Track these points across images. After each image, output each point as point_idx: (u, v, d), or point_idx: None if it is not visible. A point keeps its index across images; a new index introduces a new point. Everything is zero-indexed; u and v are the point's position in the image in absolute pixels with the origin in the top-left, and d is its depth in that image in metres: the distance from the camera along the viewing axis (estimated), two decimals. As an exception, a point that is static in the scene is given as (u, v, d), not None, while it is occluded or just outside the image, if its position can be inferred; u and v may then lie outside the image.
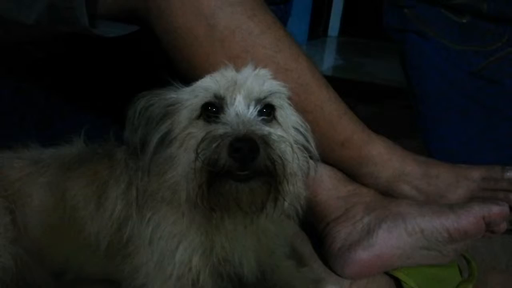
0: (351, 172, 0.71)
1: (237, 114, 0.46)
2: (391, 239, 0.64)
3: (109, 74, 0.77)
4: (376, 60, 2.15)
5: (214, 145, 0.43)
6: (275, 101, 0.51)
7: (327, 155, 0.68)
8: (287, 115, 0.52)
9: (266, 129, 0.46)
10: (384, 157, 0.70)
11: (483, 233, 0.64)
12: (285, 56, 0.62)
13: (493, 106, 0.85)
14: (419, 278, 0.65)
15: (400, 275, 0.65)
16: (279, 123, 0.51)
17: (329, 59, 2.17)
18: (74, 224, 0.55)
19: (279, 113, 0.51)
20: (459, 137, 0.88)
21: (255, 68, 0.53)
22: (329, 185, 0.71)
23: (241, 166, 0.42)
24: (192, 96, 0.50)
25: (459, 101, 0.88)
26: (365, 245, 0.65)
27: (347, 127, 0.67)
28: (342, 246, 0.66)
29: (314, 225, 0.73)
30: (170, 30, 0.60)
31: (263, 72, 0.52)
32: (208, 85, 0.49)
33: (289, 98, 0.54)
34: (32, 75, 0.75)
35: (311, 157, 0.54)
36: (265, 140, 0.44)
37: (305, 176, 0.52)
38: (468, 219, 0.62)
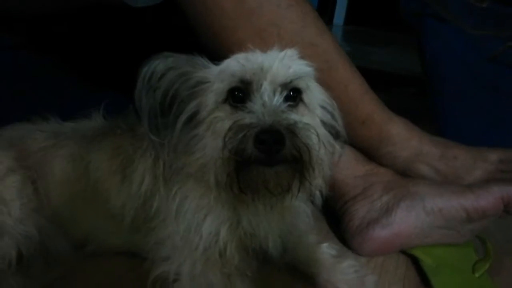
0: (370, 152, 0.71)
1: (263, 103, 0.46)
2: (410, 218, 0.65)
3: (130, 50, 0.76)
4: (383, 48, 2.15)
5: (240, 135, 0.44)
6: (301, 84, 0.50)
7: (348, 133, 0.67)
8: (314, 95, 0.52)
9: (292, 117, 0.46)
10: (403, 137, 0.70)
11: (500, 214, 0.64)
12: (311, 31, 0.61)
13: (511, 91, 0.85)
14: (436, 256, 0.65)
15: (417, 253, 0.66)
16: (305, 105, 0.51)
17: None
18: (97, 196, 0.55)
19: (305, 95, 0.51)
20: (475, 123, 0.88)
21: (282, 47, 0.52)
22: (347, 164, 0.71)
23: (267, 156, 0.43)
24: (218, 79, 0.49)
25: (476, 87, 0.89)
26: (383, 223, 0.65)
27: (368, 106, 0.67)
28: (360, 224, 0.67)
29: (330, 203, 0.73)
30: (196, 2, 0.59)
31: (290, 52, 0.51)
32: (234, 69, 0.48)
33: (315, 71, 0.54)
34: (53, 50, 0.74)
35: (337, 135, 0.54)
36: (291, 130, 0.44)
37: (331, 157, 0.52)
38: (487, 199, 0.63)
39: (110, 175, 0.55)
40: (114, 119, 0.59)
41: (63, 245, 0.58)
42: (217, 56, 0.54)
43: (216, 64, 0.51)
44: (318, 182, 0.49)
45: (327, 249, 0.61)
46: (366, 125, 0.68)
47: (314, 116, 0.51)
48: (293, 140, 0.44)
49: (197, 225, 0.51)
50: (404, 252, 0.68)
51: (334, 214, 0.73)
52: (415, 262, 0.66)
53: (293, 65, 0.50)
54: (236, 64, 0.49)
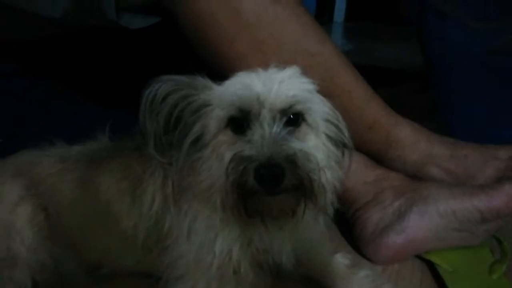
0: (378, 157, 0.71)
1: (262, 134, 0.46)
2: (423, 222, 0.64)
3: (130, 68, 0.76)
4: (384, 44, 2.13)
5: (241, 168, 0.44)
6: (302, 106, 0.49)
7: (355, 139, 0.67)
8: (317, 112, 0.51)
9: (292, 146, 0.45)
10: (411, 139, 0.69)
11: (515, 213, 0.63)
12: (311, 40, 0.61)
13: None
14: (452, 260, 0.64)
15: (433, 257, 0.65)
16: (308, 124, 0.50)
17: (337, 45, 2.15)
18: (109, 219, 0.55)
19: (307, 115, 0.50)
20: (482, 115, 0.87)
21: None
22: (356, 170, 0.70)
23: (267, 189, 0.44)
24: (219, 105, 0.49)
25: (481, 78, 0.87)
26: (397, 229, 0.64)
27: (374, 110, 0.67)
28: (373, 231, 0.66)
29: (341, 211, 0.73)
30: (193, 16, 0.59)
31: (290, 72, 0.50)
32: (233, 98, 0.48)
33: (317, 84, 0.53)
34: (56, 74, 0.74)
35: (344, 146, 0.54)
36: (291, 160, 0.44)
37: (339, 172, 0.52)
38: (500, 198, 0.62)
39: (120, 196, 0.55)
40: (121, 140, 0.59)
41: (77, 269, 0.58)
42: (218, 71, 0.54)
43: (218, 84, 0.51)
44: (323, 202, 0.49)
45: (341, 259, 0.61)
46: (373, 130, 0.67)
47: (318, 133, 0.51)
48: (294, 170, 0.44)
49: (209, 243, 0.51)
50: (419, 257, 0.67)
51: (346, 222, 0.72)
52: (431, 267, 0.65)
53: (292, 87, 0.49)
54: (234, 92, 0.48)
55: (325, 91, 0.55)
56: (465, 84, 0.90)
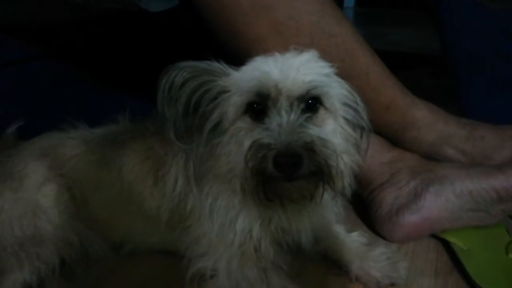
0: (394, 137, 0.71)
1: (279, 122, 0.46)
2: (439, 202, 0.65)
3: (147, 54, 0.77)
4: (396, 28, 2.10)
5: (260, 155, 0.45)
6: (320, 91, 0.49)
7: (372, 120, 0.67)
8: (335, 96, 0.51)
9: (310, 133, 0.46)
10: (428, 120, 0.69)
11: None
12: (329, 21, 0.61)
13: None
14: (468, 238, 0.65)
15: (449, 237, 0.66)
16: (326, 109, 0.50)
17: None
18: (132, 199, 0.56)
19: (325, 99, 0.50)
20: (498, 101, 0.86)
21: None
22: (372, 151, 0.70)
23: (285, 175, 0.44)
24: (237, 91, 0.49)
25: (496, 62, 0.86)
26: (413, 208, 0.65)
27: (391, 91, 0.67)
28: (389, 211, 0.67)
29: (357, 192, 0.73)
30: (212, 0, 0.59)
31: (308, 56, 0.50)
32: (251, 84, 0.48)
33: (335, 67, 0.53)
34: (73, 58, 0.75)
35: (362, 129, 0.54)
36: (309, 147, 0.44)
37: (357, 156, 0.53)
38: (517, 178, 0.62)
39: (144, 178, 0.56)
40: (142, 122, 0.60)
41: (102, 247, 0.60)
42: (235, 55, 0.54)
43: (235, 69, 0.51)
44: (341, 186, 0.50)
45: (358, 238, 0.62)
46: (390, 111, 0.68)
47: (336, 117, 0.51)
48: (312, 157, 0.44)
49: (230, 222, 0.53)
50: (434, 236, 0.68)
51: (361, 203, 0.73)
52: (446, 246, 0.66)
53: (310, 72, 0.49)
54: (252, 78, 0.49)
55: (343, 73, 0.56)
56: (481, 67, 0.89)
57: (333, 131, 0.50)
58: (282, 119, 0.46)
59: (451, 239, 0.66)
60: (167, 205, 0.55)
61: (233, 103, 0.49)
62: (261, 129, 0.47)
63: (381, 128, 0.70)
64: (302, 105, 0.48)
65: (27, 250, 0.54)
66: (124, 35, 0.77)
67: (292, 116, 0.46)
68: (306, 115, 0.48)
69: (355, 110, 0.53)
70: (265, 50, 0.56)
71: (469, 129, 0.70)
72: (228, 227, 0.53)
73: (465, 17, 0.89)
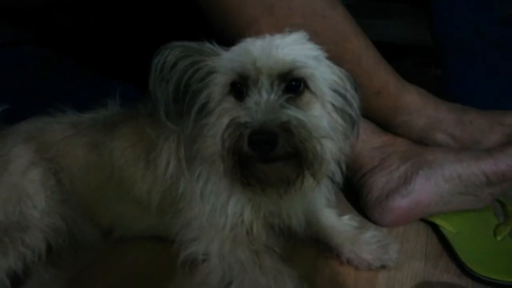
0: (385, 122, 0.71)
1: (257, 101, 0.45)
2: (429, 186, 0.65)
3: (137, 39, 0.75)
4: (385, 20, 2.11)
5: (237, 134, 0.44)
6: (304, 72, 0.48)
7: (363, 105, 0.67)
8: (323, 80, 0.50)
9: (287, 113, 0.44)
10: (418, 105, 0.69)
11: (520, 176, 0.64)
12: (322, 3, 0.60)
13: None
14: (457, 222, 0.66)
15: (438, 220, 0.67)
16: (312, 93, 0.49)
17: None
18: (122, 183, 0.55)
19: (311, 82, 0.48)
20: (488, 90, 0.87)
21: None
22: (363, 136, 0.70)
23: (260, 155, 0.43)
24: (222, 71, 0.49)
25: (486, 51, 0.87)
26: (403, 192, 0.66)
27: (382, 76, 0.67)
28: (380, 195, 0.67)
29: (347, 177, 0.73)
30: None
31: (295, 36, 0.49)
32: (233, 64, 0.48)
33: (327, 50, 0.51)
34: (60, 43, 0.73)
35: (351, 117, 0.52)
36: (285, 128, 0.43)
37: (344, 141, 0.52)
38: (506, 162, 0.63)
39: (135, 160, 0.55)
40: (133, 106, 0.59)
41: (90, 233, 0.59)
42: (228, 37, 0.53)
43: (225, 50, 0.50)
44: (321, 173, 0.49)
45: (349, 221, 0.62)
46: (381, 96, 0.67)
47: (323, 102, 0.49)
48: (288, 138, 0.43)
49: (221, 206, 0.52)
50: (424, 220, 0.69)
51: (351, 188, 0.73)
52: (436, 229, 0.67)
53: (293, 53, 0.47)
54: (235, 58, 0.48)
55: (336, 56, 0.55)
56: (472, 57, 0.89)
57: (318, 116, 0.48)
58: (261, 98, 0.45)
59: (441, 222, 0.66)
60: (158, 188, 0.54)
61: (219, 82, 0.49)
62: (241, 108, 0.46)
63: (372, 112, 0.70)
64: (283, 85, 0.47)
65: (11, 235, 0.53)
66: (114, 18, 0.75)
67: (272, 96, 0.45)
68: (288, 95, 0.46)
69: (344, 97, 0.52)
70: (257, 32, 0.55)
71: (459, 113, 0.71)
72: (220, 211, 0.52)
73: (455, 6, 0.89)
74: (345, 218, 0.63)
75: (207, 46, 0.50)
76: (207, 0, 0.60)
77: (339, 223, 0.61)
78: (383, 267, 0.58)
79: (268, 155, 0.43)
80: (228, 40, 0.52)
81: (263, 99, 0.45)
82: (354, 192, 0.73)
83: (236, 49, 0.49)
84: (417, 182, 0.65)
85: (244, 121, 0.44)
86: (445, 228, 0.66)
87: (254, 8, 0.58)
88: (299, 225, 0.57)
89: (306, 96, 0.48)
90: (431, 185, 0.65)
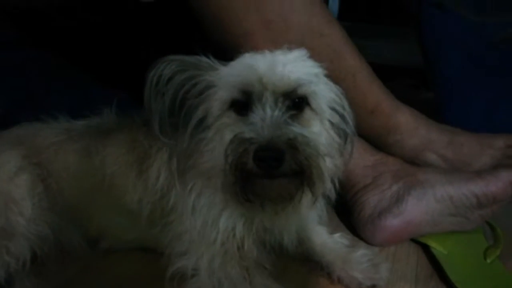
0: (378, 141, 0.72)
1: (262, 116, 0.45)
2: (421, 206, 0.65)
3: (134, 48, 0.75)
4: (379, 42, 2.15)
5: (241, 149, 0.43)
6: (306, 90, 0.48)
7: (356, 124, 0.68)
8: (322, 98, 0.50)
9: (293, 130, 0.45)
10: (411, 125, 0.70)
11: (510, 199, 0.65)
12: (319, 21, 0.61)
13: (512, 76, 0.85)
14: (447, 243, 0.66)
15: (429, 241, 0.67)
16: (312, 110, 0.49)
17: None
18: (113, 191, 0.54)
19: (312, 99, 0.49)
20: (480, 112, 0.89)
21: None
22: (356, 154, 0.69)
23: (266, 172, 0.43)
24: (222, 87, 0.48)
25: (478, 74, 0.89)
26: (395, 212, 0.65)
27: (376, 95, 0.67)
28: (371, 214, 0.67)
29: (339, 195, 0.73)
30: None
31: (297, 54, 0.50)
32: (235, 80, 0.47)
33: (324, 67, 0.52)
34: (58, 46, 0.72)
35: (346, 134, 0.53)
36: (291, 144, 0.43)
37: (339, 159, 0.52)
38: (496, 184, 0.63)
39: (127, 169, 0.54)
40: (129, 114, 0.59)
41: (78, 242, 0.58)
42: (224, 50, 0.53)
43: (224, 65, 0.50)
44: (321, 190, 0.49)
45: (340, 239, 0.62)
46: (374, 115, 0.68)
47: (322, 119, 0.50)
48: (294, 155, 0.43)
49: (213, 220, 0.51)
50: (415, 241, 0.68)
51: (343, 205, 0.73)
52: (427, 250, 0.67)
53: (297, 70, 0.48)
54: (237, 73, 0.48)
55: (331, 73, 0.55)
56: (463, 80, 0.91)
57: (318, 132, 0.49)
58: (266, 114, 0.45)
59: (432, 243, 0.66)
60: (149, 199, 0.53)
61: (218, 98, 0.48)
62: (244, 124, 0.46)
63: (365, 131, 0.70)
64: (288, 102, 0.47)
65: None
66: (112, 25, 0.75)
67: (277, 112, 0.45)
68: (291, 112, 0.46)
69: (341, 115, 0.52)
70: (253, 46, 0.56)
71: (450, 135, 0.72)
72: (211, 225, 0.51)
73: (447, 30, 0.91)
74: (336, 236, 0.62)
75: (205, 60, 0.50)
76: (203, 12, 0.61)
77: (330, 240, 0.61)
78: (373, 286, 0.57)
79: (274, 172, 0.43)
80: (223, 51, 0.52)
81: (268, 115, 0.45)
82: (346, 210, 0.72)
83: (237, 64, 0.49)
84: (409, 202, 0.65)
85: (249, 136, 0.43)
86: (436, 249, 0.65)
87: (251, 22, 0.59)
88: (291, 242, 0.57)
89: (307, 113, 0.49)
90: (423, 205, 0.65)
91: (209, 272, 0.51)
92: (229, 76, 0.48)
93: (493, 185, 0.63)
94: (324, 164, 0.47)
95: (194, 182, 0.52)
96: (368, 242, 0.68)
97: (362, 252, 0.60)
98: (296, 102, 0.48)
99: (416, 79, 1.59)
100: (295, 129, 0.45)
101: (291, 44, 0.51)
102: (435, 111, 0.97)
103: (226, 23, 0.60)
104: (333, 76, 0.55)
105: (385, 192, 0.68)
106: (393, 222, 0.65)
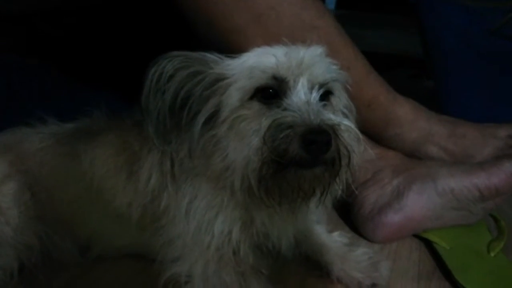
0: (376, 135, 0.69)
1: (303, 102, 0.43)
2: (422, 201, 0.63)
3: (122, 49, 0.73)
4: (376, 31, 2.12)
5: (282, 135, 0.41)
6: (334, 86, 0.49)
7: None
8: (339, 99, 0.50)
9: (334, 118, 0.43)
10: (410, 117, 0.68)
11: (513, 190, 0.63)
12: (311, 13, 0.59)
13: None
14: (450, 238, 0.64)
15: (431, 236, 0.65)
16: (333, 108, 0.49)
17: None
18: (102, 195, 0.52)
19: (333, 98, 0.49)
20: (480, 101, 0.86)
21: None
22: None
23: (312, 158, 0.41)
24: (244, 75, 0.46)
25: (477, 63, 0.86)
26: (395, 207, 0.64)
27: (373, 87, 0.65)
28: (372, 210, 0.65)
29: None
30: None
31: (319, 50, 0.48)
32: (265, 65, 0.45)
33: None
34: (45, 52, 0.70)
35: None
36: (335, 131, 0.42)
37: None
38: (499, 176, 0.61)
39: (117, 171, 0.52)
40: (119, 116, 0.57)
41: (68, 250, 0.56)
42: (214, 45, 0.51)
43: (231, 58, 0.48)
44: (342, 184, 0.47)
45: (339, 238, 0.60)
46: (372, 108, 0.66)
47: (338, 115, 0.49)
48: (337, 143, 0.42)
49: (208, 223, 0.49)
50: (417, 236, 0.67)
51: (343, 202, 0.71)
52: (429, 245, 0.65)
53: (328, 65, 0.48)
54: (269, 59, 0.45)
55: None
56: (463, 69, 0.89)
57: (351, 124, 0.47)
58: (306, 99, 0.44)
59: (434, 238, 0.64)
60: (139, 202, 0.51)
61: (239, 87, 0.46)
62: (276, 111, 0.43)
63: (363, 125, 0.66)
64: (321, 91, 0.46)
65: None
66: (100, 27, 0.73)
67: (313, 98, 0.44)
68: (323, 102, 0.46)
69: (349, 110, 0.53)
70: (244, 41, 0.54)
71: (451, 127, 0.70)
72: (205, 229, 0.49)
73: (446, 17, 0.89)
74: (335, 234, 0.60)
75: (209, 55, 0.48)
76: (193, 7, 0.58)
77: (329, 240, 0.59)
78: (373, 285, 0.56)
79: (319, 157, 0.41)
80: (213, 48, 0.50)
81: (309, 99, 0.44)
82: (345, 206, 0.70)
83: (254, 55, 0.47)
84: (409, 197, 0.63)
85: (292, 120, 0.41)
86: (438, 244, 0.64)
87: (241, 16, 0.56)
88: (289, 247, 0.54)
89: (329, 108, 0.48)
90: (424, 199, 0.63)
91: (203, 279, 0.49)
92: (250, 66, 0.46)
93: (495, 177, 0.61)
94: (357, 156, 0.45)
95: (190, 184, 0.49)
96: (368, 240, 0.66)
97: (361, 251, 0.58)
98: (322, 94, 0.47)
99: (417, 68, 1.57)
100: (335, 117, 0.44)
101: (282, 37, 0.49)
102: (436, 100, 0.95)
103: (215, 19, 0.57)
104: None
105: (385, 188, 0.66)
106: (394, 218, 0.63)
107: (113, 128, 0.55)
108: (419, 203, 0.63)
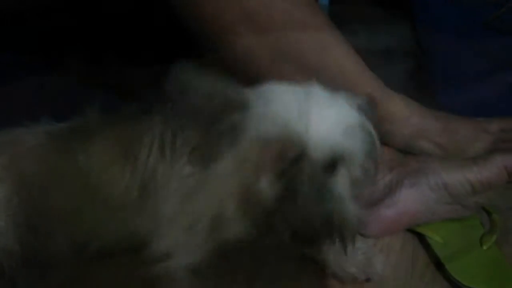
0: (369, 131, 0.70)
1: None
2: (415, 196, 0.64)
3: (116, 48, 0.73)
4: (371, 26, 2.12)
5: None
6: (343, 153, 0.46)
7: None
8: (356, 154, 0.48)
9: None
10: (404, 114, 0.69)
11: (505, 184, 0.64)
12: (303, 10, 0.59)
13: (506, 58, 0.84)
14: (443, 232, 0.65)
15: (424, 230, 0.65)
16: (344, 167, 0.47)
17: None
18: (100, 188, 0.52)
19: (345, 161, 0.47)
20: (473, 96, 0.87)
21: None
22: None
23: None
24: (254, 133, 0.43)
25: (470, 56, 0.87)
26: (388, 203, 0.64)
27: (366, 84, 0.66)
28: (365, 206, 0.66)
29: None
30: None
31: (337, 108, 0.47)
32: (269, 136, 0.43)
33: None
34: (37, 49, 0.71)
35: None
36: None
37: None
38: (491, 169, 0.62)
39: (113, 163, 0.53)
40: (113, 112, 0.57)
41: (63, 249, 0.56)
42: (205, 42, 0.52)
43: (251, 94, 0.45)
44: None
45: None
46: (365, 105, 0.66)
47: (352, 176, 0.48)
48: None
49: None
50: (410, 230, 0.67)
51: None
52: (422, 240, 0.65)
53: (337, 132, 0.44)
54: (272, 130, 0.42)
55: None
56: (458, 63, 0.90)
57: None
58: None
59: (427, 232, 0.65)
60: (136, 182, 0.51)
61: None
62: None
63: (356, 121, 0.68)
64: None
65: None
66: (89, 28, 0.73)
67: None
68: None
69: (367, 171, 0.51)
70: (236, 37, 0.54)
71: (444, 122, 0.70)
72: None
73: (439, 12, 0.89)
74: (330, 229, 0.61)
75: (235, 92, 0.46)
76: (186, 7, 0.59)
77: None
78: (368, 280, 0.56)
79: None
80: (204, 44, 0.50)
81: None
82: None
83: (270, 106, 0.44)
84: (402, 192, 0.64)
85: None
86: (431, 238, 0.64)
87: (233, 14, 0.57)
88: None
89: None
90: (417, 194, 0.64)
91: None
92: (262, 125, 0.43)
93: (487, 171, 0.62)
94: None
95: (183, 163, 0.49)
96: (362, 234, 0.66)
97: (356, 246, 0.58)
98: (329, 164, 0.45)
99: (411, 63, 1.57)
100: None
101: (273, 34, 0.49)
102: (430, 94, 0.96)
103: (207, 15, 0.58)
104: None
105: (378, 183, 0.66)
106: (387, 213, 0.64)
107: (108, 123, 0.56)
108: (412, 198, 0.64)
